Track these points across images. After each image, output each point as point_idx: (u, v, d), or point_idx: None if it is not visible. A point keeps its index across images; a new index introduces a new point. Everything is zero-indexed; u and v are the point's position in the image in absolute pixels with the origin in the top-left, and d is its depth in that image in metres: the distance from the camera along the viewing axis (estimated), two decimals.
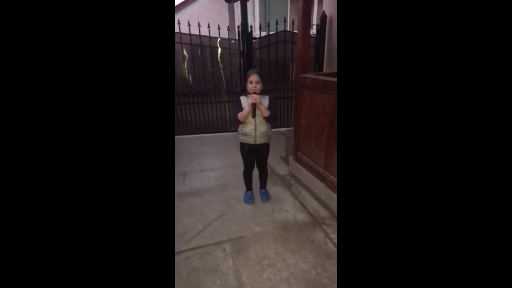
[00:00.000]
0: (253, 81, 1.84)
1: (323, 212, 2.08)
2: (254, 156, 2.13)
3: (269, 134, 2.04)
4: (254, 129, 1.96)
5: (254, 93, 1.84)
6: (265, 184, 2.31)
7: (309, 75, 2.20)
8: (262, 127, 1.97)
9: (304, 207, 2.17)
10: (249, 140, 2.01)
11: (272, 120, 1.98)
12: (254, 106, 1.83)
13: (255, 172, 2.25)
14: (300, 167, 2.49)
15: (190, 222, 2.00)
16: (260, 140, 2.01)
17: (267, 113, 1.90)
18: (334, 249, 1.70)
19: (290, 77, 4.12)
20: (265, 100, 1.94)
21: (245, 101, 1.92)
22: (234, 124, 4.08)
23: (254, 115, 1.84)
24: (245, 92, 1.95)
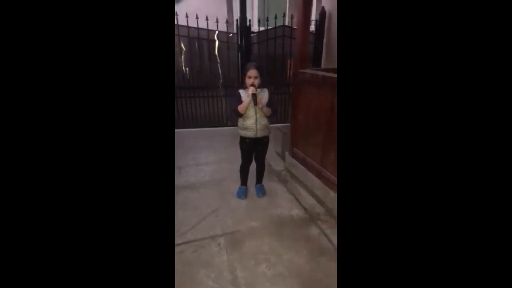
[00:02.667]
0: (252, 76, 1.84)
1: (318, 208, 2.09)
2: (254, 150, 2.12)
3: (269, 126, 2.04)
4: (255, 122, 1.95)
5: (253, 85, 1.83)
6: (262, 178, 2.30)
7: (307, 70, 2.19)
8: (263, 120, 1.97)
9: (300, 203, 2.17)
10: (250, 134, 2.00)
11: (273, 115, 1.97)
12: (254, 96, 1.82)
13: (252, 167, 2.24)
14: (296, 163, 2.49)
15: (185, 216, 1.99)
16: (261, 133, 2.00)
17: (269, 112, 1.92)
18: (329, 245, 1.71)
19: (288, 73, 4.11)
20: (265, 94, 1.93)
21: (244, 95, 1.91)
22: (230, 119, 4.07)
23: (255, 103, 1.83)
24: (243, 85, 1.94)
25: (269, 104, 1.93)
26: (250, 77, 1.84)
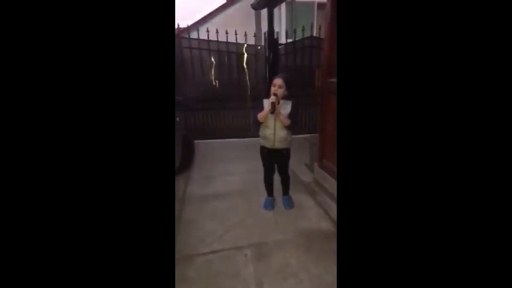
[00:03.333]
0: (276, 84, 1.84)
1: None
2: (274, 161, 2.10)
3: (288, 139, 1.99)
4: (273, 133, 1.93)
5: (275, 94, 1.82)
6: (288, 190, 2.26)
7: (335, 80, 2.15)
8: (282, 132, 1.93)
9: (329, 215, 2.09)
10: (267, 144, 1.99)
11: (292, 127, 1.92)
12: (273, 104, 1.79)
13: (278, 178, 2.21)
14: (326, 174, 2.41)
15: (212, 225, 2.00)
16: (278, 145, 1.97)
17: (287, 123, 1.87)
18: None
19: (316, 84, 4.07)
20: (288, 106, 1.90)
21: (266, 103, 1.92)
22: (254, 129, 4.10)
23: (273, 112, 1.80)
24: (269, 95, 1.94)
25: (290, 116, 1.88)
26: (274, 85, 1.84)
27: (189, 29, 3.93)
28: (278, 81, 1.84)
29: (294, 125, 1.94)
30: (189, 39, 3.71)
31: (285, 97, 1.89)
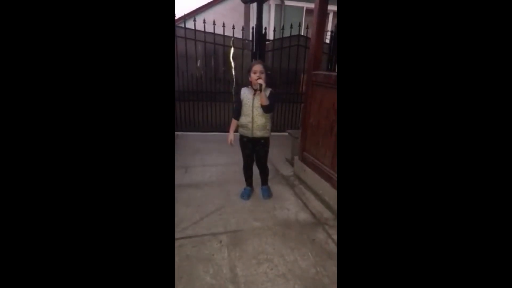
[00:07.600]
0: (257, 70, 1.80)
1: (326, 213, 1.99)
2: (253, 150, 2.07)
3: (267, 128, 1.97)
4: (251, 121, 1.91)
5: (260, 78, 1.79)
6: (266, 180, 2.23)
7: (321, 72, 2.16)
8: (260, 120, 1.91)
9: (307, 207, 2.08)
10: (246, 132, 1.96)
11: (268, 110, 1.90)
12: (260, 86, 1.78)
13: (256, 170, 2.18)
14: (305, 167, 2.41)
15: (187, 212, 1.93)
16: (257, 134, 1.94)
17: (266, 102, 1.84)
18: (336, 250, 1.60)
19: (301, 88, 4.09)
20: (266, 93, 1.88)
21: (245, 92, 1.91)
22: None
23: (260, 89, 1.79)
24: (249, 85, 1.92)
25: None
26: (255, 72, 1.80)
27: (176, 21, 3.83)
28: (258, 67, 1.81)
29: (271, 109, 1.92)
30: (176, 27, 3.62)
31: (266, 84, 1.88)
